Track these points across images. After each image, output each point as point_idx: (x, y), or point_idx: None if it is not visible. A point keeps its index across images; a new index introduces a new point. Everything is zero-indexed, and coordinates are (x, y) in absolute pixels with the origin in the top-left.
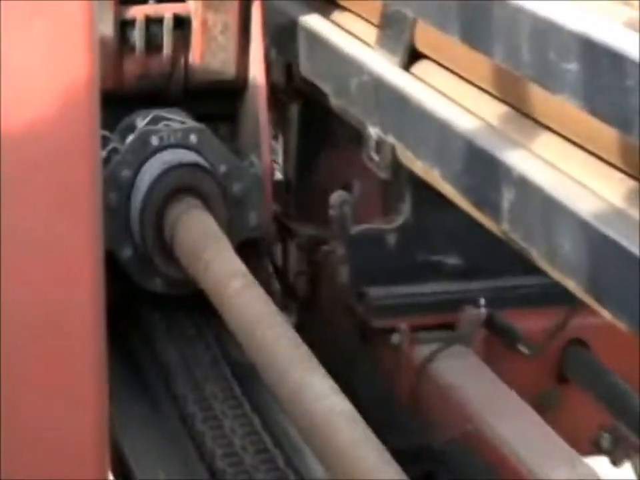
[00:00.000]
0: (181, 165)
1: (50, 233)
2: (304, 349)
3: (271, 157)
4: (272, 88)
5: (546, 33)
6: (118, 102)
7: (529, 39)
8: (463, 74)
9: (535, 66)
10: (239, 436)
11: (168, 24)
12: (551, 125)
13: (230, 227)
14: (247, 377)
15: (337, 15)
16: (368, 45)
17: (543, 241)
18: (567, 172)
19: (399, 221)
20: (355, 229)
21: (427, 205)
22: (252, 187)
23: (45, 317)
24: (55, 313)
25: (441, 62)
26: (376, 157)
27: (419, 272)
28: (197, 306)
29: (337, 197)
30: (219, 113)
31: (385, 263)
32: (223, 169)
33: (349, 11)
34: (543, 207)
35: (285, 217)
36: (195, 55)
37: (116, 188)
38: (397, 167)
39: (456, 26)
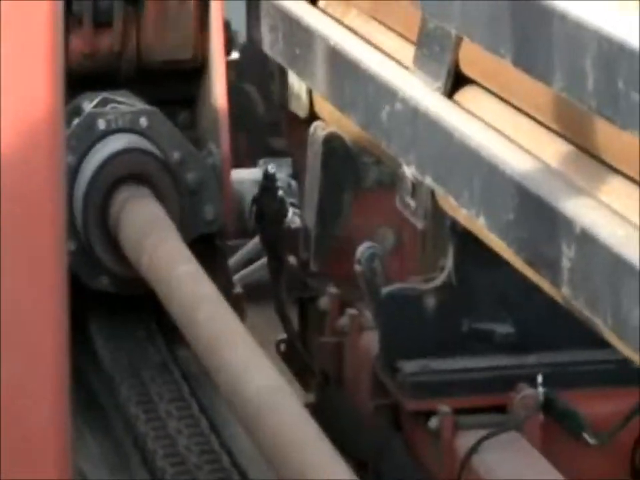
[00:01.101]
0: (127, 151)
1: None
2: (240, 330)
3: (229, 145)
4: (290, 118)
5: (615, 55)
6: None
7: (594, 63)
8: (515, 103)
9: (600, 95)
10: (185, 436)
11: None
12: (621, 168)
13: (183, 220)
14: (197, 380)
15: (368, 30)
16: (404, 66)
17: (610, 309)
18: (639, 225)
19: (440, 280)
20: (387, 289)
21: (473, 261)
22: (208, 178)
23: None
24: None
25: (490, 88)
26: (412, 203)
27: (463, 343)
28: (147, 306)
29: (364, 249)
30: (176, 97)
31: (422, 331)
32: (176, 156)
33: (382, 24)
34: (610, 268)
35: (303, 273)
36: (148, 32)
37: None
38: (437, 214)
39: (507, 46)
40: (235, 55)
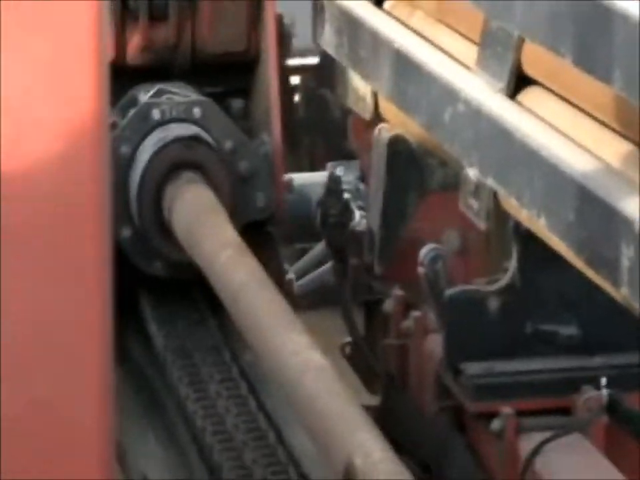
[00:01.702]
0: (180, 139)
1: (52, 316)
2: (285, 310)
3: (281, 134)
4: (356, 121)
5: None
6: (120, 75)
7: None
8: (578, 103)
9: None
10: (232, 415)
11: None
12: None
13: (235, 207)
14: (247, 362)
15: (430, 31)
16: (466, 67)
17: None
18: None
19: (503, 281)
20: (450, 291)
21: (537, 262)
22: (260, 166)
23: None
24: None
25: (553, 89)
26: (475, 204)
27: (526, 344)
28: (199, 291)
29: (428, 251)
30: (230, 88)
31: (486, 333)
32: (228, 145)
33: (445, 25)
34: None
35: (368, 276)
36: (202, 25)
37: (114, 165)
38: (500, 215)
39: (568, 46)
40: (314, 60)
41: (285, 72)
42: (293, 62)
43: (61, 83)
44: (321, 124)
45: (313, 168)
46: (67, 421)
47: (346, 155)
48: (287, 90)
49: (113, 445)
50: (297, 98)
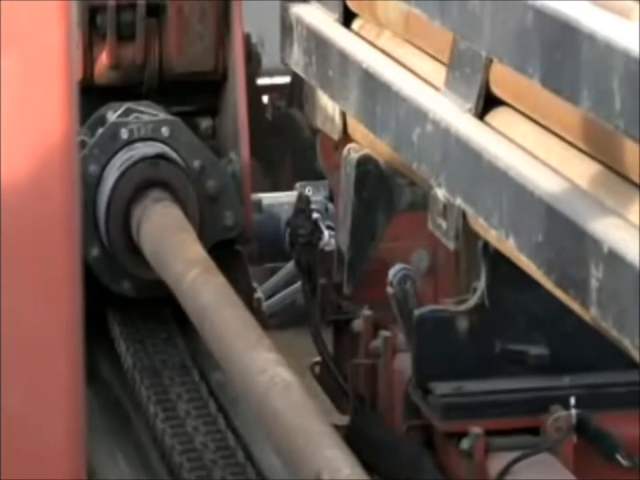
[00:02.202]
0: (148, 158)
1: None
2: (253, 327)
3: (249, 153)
4: (324, 141)
5: None
6: (88, 94)
7: (622, 83)
8: (546, 124)
9: (628, 115)
10: (201, 434)
11: (141, 11)
12: None
13: (204, 226)
14: (216, 380)
15: (398, 52)
16: (434, 87)
17: (638, 330)
18: None
19: (472, 301)
20: (419, 311)
21: (506, 282)
22: (228, 185)
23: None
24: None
25: (521, 109)
26: (443, 224)
27: (495, 364)
28: (167, 309)
29: (397, 271)
30: (198, 107)
31: (455, 353)
32: (196, 164)
33: (415, 47)
34: (637, 288)
35: (337, 295)
36: (170, 45)
37: (82, 184)
38: (469, 235)
39: (536, 66)
40: (281, 80)
41: (257, 91)
42: (261, 81)
43: (30, 101)
44: (290, 143)
45: (283, 188)
46: (38, 437)
47: (316, 175)
48: (258, 109)
49: (84, 463)
50: (266, 117)
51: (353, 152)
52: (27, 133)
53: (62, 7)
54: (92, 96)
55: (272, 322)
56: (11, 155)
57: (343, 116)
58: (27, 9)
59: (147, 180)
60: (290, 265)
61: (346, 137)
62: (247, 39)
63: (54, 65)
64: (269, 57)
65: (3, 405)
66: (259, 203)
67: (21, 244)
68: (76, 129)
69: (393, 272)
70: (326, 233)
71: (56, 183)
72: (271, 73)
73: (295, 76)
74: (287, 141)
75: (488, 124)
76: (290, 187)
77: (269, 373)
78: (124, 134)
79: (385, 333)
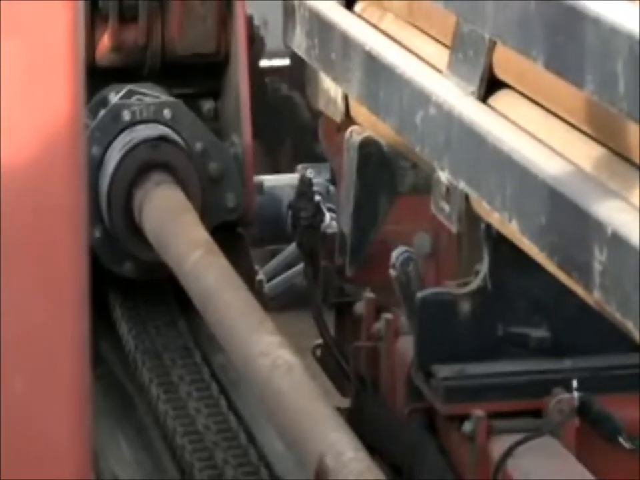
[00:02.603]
0: (150, 140)
1: (27, 322)
2: (256, 309)
3: (252, 135)
4: (327, 124)
5: None
6: (90, 76)
7: (626, 66)
8: (549, 107)
9: (632, 99)
10: (203, 415)
11: None
12: None
13: (206, 208)
14: (218, 362)
15: (401, 34)
16: (438, 70)
17: None
18: None
19: (475, 284)
20: (422, 294)
21: (508, 265)
22: (230, 167)
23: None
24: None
25: (524, 92)
26: (446, 207)
27: (497, 347)
28: (169, 291)
29: (399, 254)
30: (200, 89)
31: (457, 336)
32: (199, 146)
33: (418, 29)
34: None
35: (339, 278)
36: (172, 27)
37: None
38: (472, 218)
39: (539, 49)
40: (282, 62)
41: (260, 74)
42: (262, 64)
43: (37, 84)
44: (290, 126)
45: (282, 170)
46: (44, 426)
47: (315, 157)
48: (261, 91)
49: (90, 451)
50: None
51: (355, 134)
52: (34, 117)
53: None
54: (94, 78)
55: (273, 304)
56: (17, 138)
57: (346, 98)
58: None
59: (149, 162)
60: (291, 247)
61: (348, 120)
62: (249, 21)
63: (61, 47)
64: (272, 39)
65: (6, 395)
66: (260, 185)
67: (26, 228)
68: (83, 112)
69: (396, 254)
70: (328, 215)
71: (63, 167)
72: (272, 55)
73: (294, 58)
74: (287, 123)
75: (491, 107)
76: (290, 169)
77: (272, 356)
78: (126, 116)
79: (387, 316)
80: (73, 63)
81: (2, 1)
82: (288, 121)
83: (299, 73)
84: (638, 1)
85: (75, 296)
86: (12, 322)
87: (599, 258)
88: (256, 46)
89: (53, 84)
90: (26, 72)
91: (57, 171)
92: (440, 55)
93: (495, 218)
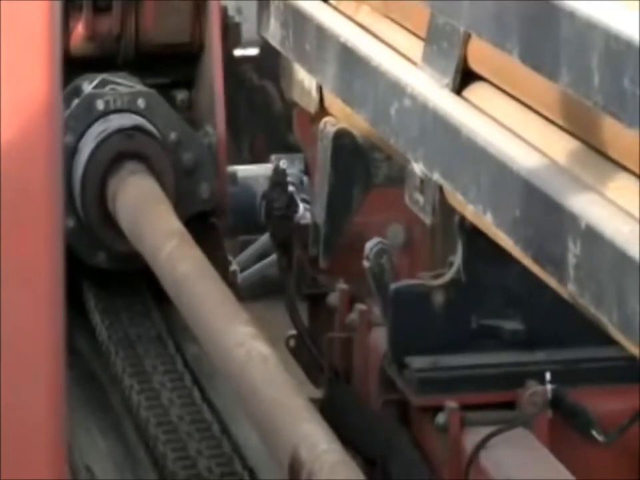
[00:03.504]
0: (124, 130)
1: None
2: (230, 300)
3: (225, 126)
4: (301, 114)
5: (621, 53)
6: (64, 65)
7: (601, 60)
8: (524, 99)
9: (607, 92)
10: (176, 406)
11: None
12: (627, 164)
13: (180, 198)
14: (191, 352)
15: (376, 26)
16: (412, 62)
17: (615, 306)
18: None
19: (448, 276)
20: (395, 285)
21: (482, 257)
22: (204, 157)
23: None
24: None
25: (499, 85)
26: (420, 199)
27: (471, 339)
28: (143, 281)
29: (373, 245)
30: (174, 79)
31: (431, 328)
32: (172, 136)
33: (393, 21)
34: (615, 265)
35: (312, 269)
36: (146, 17)
37: None
38: (445, 210)
39: (515, 42)
40: (254, 51)
41: (235, 63)
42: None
43: (13, 71)
44: (261, 115)
45: (254, 160)
46: (19, 420)
47: (287, 147)
48: (237, 81)
49: (65, 445)
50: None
51: (329, 126)
52: (10, 103)
53: None
54: (68, 67)
55: (246, 294)
56: None
57: (320, 90)
58: None
59: (122, 152)
60: (264, 238)
61: (322, 111)
62: (223, 11)
63: (37, 34)
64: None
65: None
66: (233, 176)
67: (2, 217)
68: (60, 100)
69: (370, 246)
70: (301, 206)
71: (39, 155)
72: (244, 45)
73: (265, 47)
74: (259, 113)
75: (466, 99)
76: (262, 159)
77: (246, 347)
78: (100, 105)
79: (360, 307)
80: (50, 50)
81: None
82: (260, 111)
83: (269, 62)
84: None
85: (50, 286)
86: None
87: (573, 251)
88: (232, 34)
89: (30, 71)
90: (3, 59)
91: (33, 159)
92: (414, 47)
93: (470, 210)
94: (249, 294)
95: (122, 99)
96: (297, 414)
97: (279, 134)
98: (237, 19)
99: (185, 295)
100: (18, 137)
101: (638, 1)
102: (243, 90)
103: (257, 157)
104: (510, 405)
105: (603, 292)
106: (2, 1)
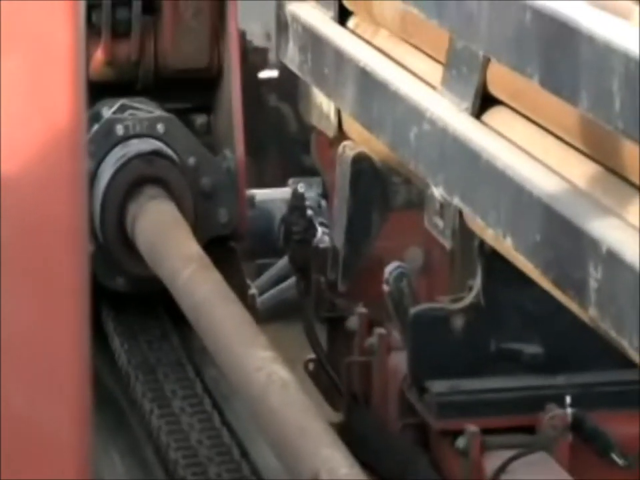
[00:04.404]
0: (143, 155)
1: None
2: (249, 324)
3: (244, 150)
4: (319, 138)
5: None
6: None
7: (621, 84)
8: (543, 124)
9: (627, 116)
10: (196, 430)
11: (136, 8)
12: None
13: (198, 223)
14: (211, 377)
15: (395, 50)
16: (431, 86)
17: (636, 331)
18: None
19: (468, 300)
20: (415, 309)
21: (501, 281)
22: (223, 182)
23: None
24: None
25: (518, 109)
26: (440, 223)
27: (491, 363)
28: (162, 305)
29: (392, 269)
30: (193, 104)
31: (451, 351)
32: (191, 161)
33: (412, 45)
34: (636, 289)
35: (331, 293)
36: (165, 42)
37: None
38: (465, 234)
39: (534, 67)
40: (272, 73)
41: (259, 86)
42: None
43: (38, 98)
44: (277, 138)
45: (270, 183)
46: (45, 437)
47: (304, 170)
48: (260, 104)
49: (90, 462)
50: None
51: (348, 149)
52: (35, 131)
53: (71, 4)
54: (87, 92)
55: (264, 317)
56: (19, 151)
57: (338, 113)
58: (36, 5)
59: (142, 176)
60: (282, 262)
61: (341, 135)
62: (242, 36)
63: (62, 60)
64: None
65: (6, 405)
66: (252, 199)
67: (28, 242)
68: (85, 126)
69: (389, 270)
70: (320, 230)
71: (65, 180)
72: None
73: (283, 70)
74: (276, 135)
75: (485, 123)
76: (278, 181)
77: (266, 371)
78: (119, 130)
79: (380, 331)
80: (75, 76)
81: (3, 15)
82: (277, 133)
83: (288, 85)
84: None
85: (76, 309)
86: (14, 335)
87: (595, 275)
88: (258, 59)
89: (55, 98)
90: (28, 86)
91: (58, 183)
92: (434, 71)
93: (489, 234)
94: (267, 317)
95: (141, 124)
96: (318, 438)
97: (295, 156)
98: (265, 44)
99: (204, 319)
100: (44, 163)
101: None
102: (261, 112)
103: (272, 180)
104: (530, 429)
105: (624, 316)
106: (26, 27)
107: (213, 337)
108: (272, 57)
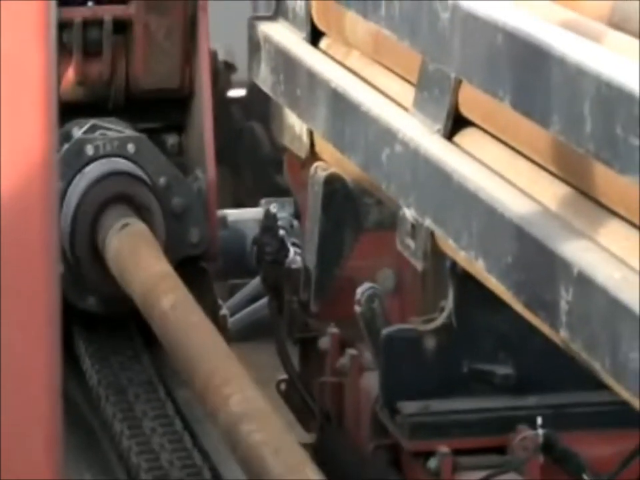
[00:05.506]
0: (114, 174)
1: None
2: (220, 345)
3: (215, 170)
4: (291, 159)
5: (613, 99)
6: None
7: (593, 107)
8: (515, 146)
9: (599, 139)
10: (167, 451)
11: (107, 27)
12: (618, 210)
13: (169, 243)
14: (182, 397)
15: (367, 71)
16: (404, 108)
17: (608, 353)
18: (637, 268)
19: (440, 321)
20: (387, 330)
21: (473, 302)
22: (193, 202)
23: None
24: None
25: (490, 131)
26: (412, 244)
27: (462, 384)
28: (133, 325)
29: (364, 290)
30: (164, 124)
31: (422, 372)
32: (162, 181)
33: (382, 66)
34: (607, 311)
35: (303, 313)
36: (136, 61)
37: None
38: (437, 255)
39: (506, 89)
40: (241, 92)
41: (228, 104)
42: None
43: (10, 119)
44: (249, 157)
45: (242, 202)
46: (14, 456)
47: (276, 190)
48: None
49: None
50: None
51: (320, 170)
52: (6, 150)
53: (42, 25)
54: (58, 112)
55: (236, 338)
56: None
57: (311, 134)
58: (7, 29)
59: (113, 196)
60: (254, 282)
61: (313, 156)
62: (213, 56)
63: (33, 81)
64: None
65: None
66: (224, 219)
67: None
68: (56, 146)
69: (361, 290)
70: (292, 250)
71: (36, 200)
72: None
73: (252, 89)
74: (247, 154)
75: (457, 145)
76: (250, 201)
77: (237, 395)
78: (89, 150)
79: (351, 351)
80: (46, 97)
81: None
82: (248, 153)
83: (257, 104)
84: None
85: (48, 329)
86: None
87: (566, 297)
88: (223, 75)
89: (26, 118)
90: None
91: (29, 203)
92: (406, 93)
93: (461, 256)
94: (239, 337)
95: (112, 143)
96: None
97: (268, 176)
98: (231, 60)
99: (174, 339)
100: (14, 183)
101: (629, 46)
102: (232, 131)
103: (244, 199)
104: (501, 450)
105: (595, 338)
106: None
107: (183, 357)
108: (237, 76)
